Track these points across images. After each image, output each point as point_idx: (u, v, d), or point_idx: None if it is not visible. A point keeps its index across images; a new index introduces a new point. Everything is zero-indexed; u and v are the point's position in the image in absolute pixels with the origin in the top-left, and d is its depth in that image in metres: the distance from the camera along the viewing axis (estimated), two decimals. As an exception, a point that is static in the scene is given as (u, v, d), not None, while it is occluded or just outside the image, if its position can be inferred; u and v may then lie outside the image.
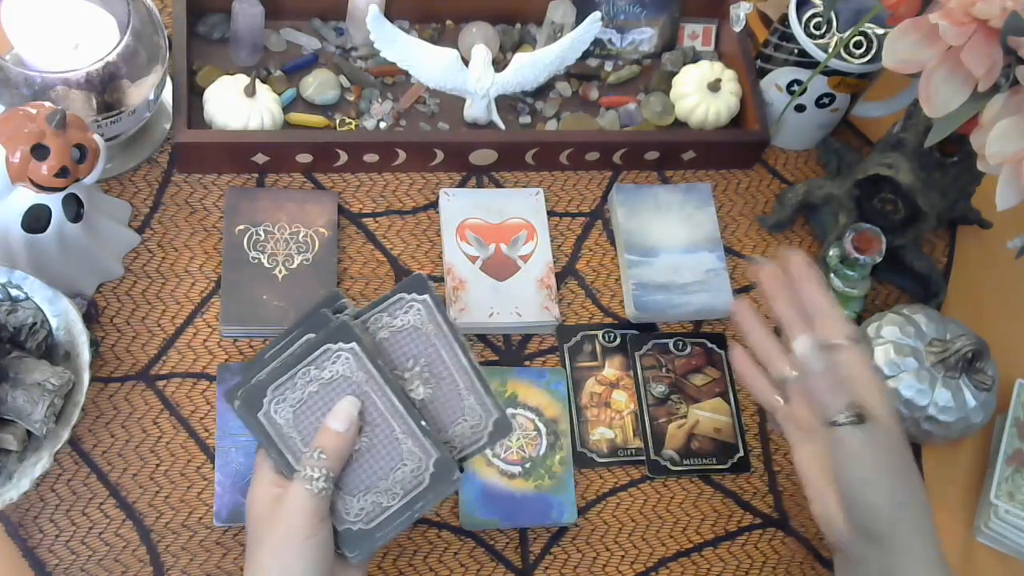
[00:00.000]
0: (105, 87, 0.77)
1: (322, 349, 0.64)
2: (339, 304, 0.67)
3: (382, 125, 0.92)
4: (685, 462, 0.83)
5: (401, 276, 0.87)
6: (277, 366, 0.64)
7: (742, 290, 0.92)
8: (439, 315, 0.66)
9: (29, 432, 0.69)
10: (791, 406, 0.69)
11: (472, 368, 0.67)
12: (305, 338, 0.65)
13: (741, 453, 0.85)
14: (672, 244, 0.91)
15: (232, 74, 0.88)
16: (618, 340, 0.88)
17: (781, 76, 0.93)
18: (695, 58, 1.00)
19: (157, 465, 0.77)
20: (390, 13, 0.94)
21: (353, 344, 0.63)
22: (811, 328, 0.66)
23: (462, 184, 0.92)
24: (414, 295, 0.66)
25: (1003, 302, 0.96)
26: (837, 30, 0.88)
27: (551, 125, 0.95)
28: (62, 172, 0.69)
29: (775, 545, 0.83)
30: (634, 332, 0.88)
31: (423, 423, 0.65)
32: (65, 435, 0.68)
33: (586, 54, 0.94)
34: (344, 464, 0.64)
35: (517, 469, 0.80)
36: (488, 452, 0.80)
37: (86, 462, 0.76)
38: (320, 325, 0.64)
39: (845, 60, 0.88)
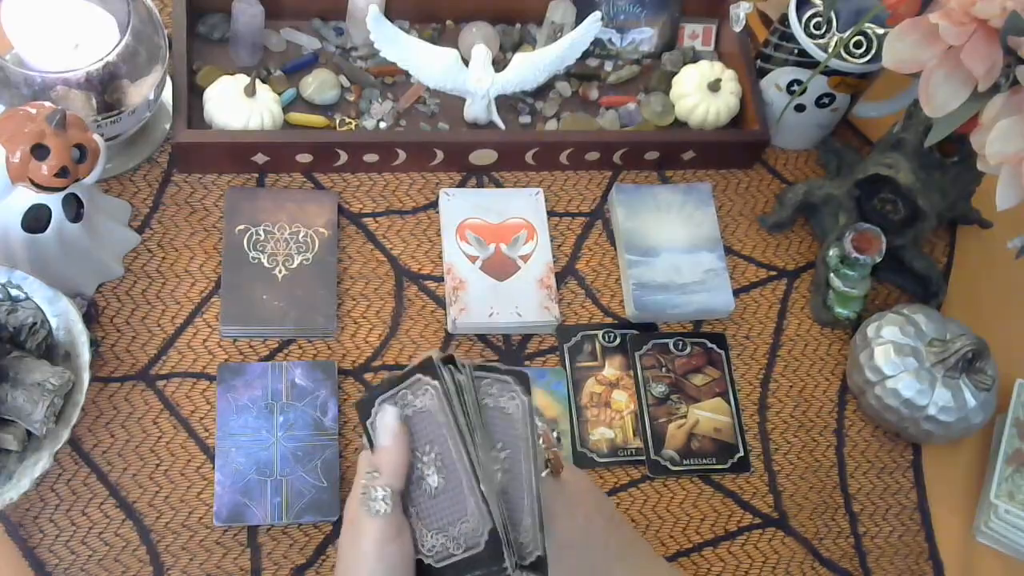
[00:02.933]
0: (105, 87, 0.77)
1: (415, 378, 0.62)
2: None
3: (382, 125, 0.92)
4: (685, 462, 0.83)
5: (401, 276, 0.87)
6: (388, 381, 0.63)
7: (742, 290, 0.92)
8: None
9: (29, 432, 0.69)
10: None
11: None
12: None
13: (741, 453, 0.85)
14: (672, 244, 0.91)
15: (232, 74, 0.88)
16: (618, 340, 0.88)
17: (781, 76, 0.93)
18: (695, 58, 1.00)
19: (157, 465, 0.77)
20: (390, 13, 0.94)
21: (436, 383, 0.61)
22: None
23: (462, 184, 0.92)
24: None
25: (1003, 302, 0.96)
26: (837, 30, 0.88)
27: (551, 125, 0.95)
28: (62, 172, 0.69)
29: (775, 545, 0.83)
30: (634, 332, 0.88)
31: (481, 488, 0.60)
32: (65, 435, 0.68)
33: (586, 54, 0.94)
34: (404, 479, 0.61)
35: (517, 469, 0.80)
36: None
37: (86, 462, 0.76)
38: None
39: (845, 60, 0.88)
